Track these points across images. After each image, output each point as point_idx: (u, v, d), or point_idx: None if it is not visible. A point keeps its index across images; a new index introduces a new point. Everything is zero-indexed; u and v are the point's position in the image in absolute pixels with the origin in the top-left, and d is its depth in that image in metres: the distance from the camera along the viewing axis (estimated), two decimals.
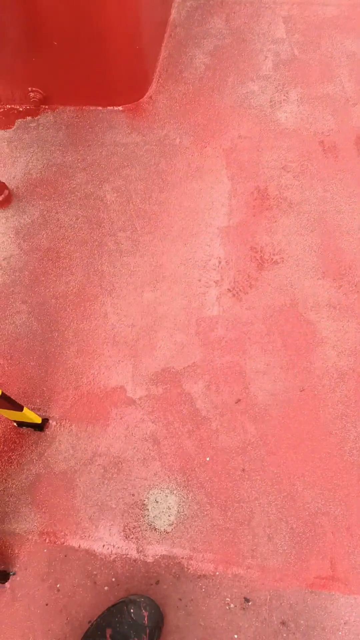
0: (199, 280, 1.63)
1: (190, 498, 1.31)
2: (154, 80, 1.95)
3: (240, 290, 1.61)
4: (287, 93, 1.90)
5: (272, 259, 1.64)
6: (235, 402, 1.44)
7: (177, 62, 1.99)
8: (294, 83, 1.92)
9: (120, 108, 1.91)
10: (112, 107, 1.91)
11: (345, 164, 1.76)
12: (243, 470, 1.34)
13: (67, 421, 1.41)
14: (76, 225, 1.73)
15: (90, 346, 1.53)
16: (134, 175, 1.80)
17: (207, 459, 1.35)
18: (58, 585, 1.25)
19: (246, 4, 2.09)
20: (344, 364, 1.46)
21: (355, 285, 1.58)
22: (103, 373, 1.48)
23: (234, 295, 1.60)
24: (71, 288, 1.62)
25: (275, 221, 1.70)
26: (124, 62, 1.80)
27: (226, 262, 1.65)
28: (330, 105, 1.87)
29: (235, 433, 1.39)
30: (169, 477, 1.33)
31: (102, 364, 1.50)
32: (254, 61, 1.98)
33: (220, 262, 1.65)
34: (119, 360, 1.50)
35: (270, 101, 1.89)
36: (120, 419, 1.41)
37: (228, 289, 1.61)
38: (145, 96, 1.92)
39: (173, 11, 2.09)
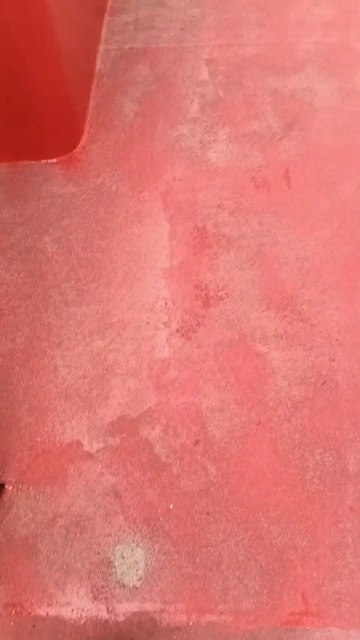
0: (148, 324, 1.64)
1: (157, 549, 1.29)
2: (86, 130, 1.98)
3: (189, 329, 1.62)
4: (215, 133, 1.96)
5: (217, 295, 1.67)
6: (194, 444, 1.44)
7: (106, 111, 2.03)
8: (221, 123, 1.98)
9: (54, 160, 1.93)
10: (46, 160, 1.93)
11: (278, 196, 1.82)
12: (207, 513, 1.33)
13: (24, 484, 1.38)
14: (18, 280, 1.72)
15: (42, 402, 1.50)
16: (74, 225, 1.81)
17: (171, 506, 1.34)
18: None
19: (169, 49, 2.16)
20: (296, 393, 1.49)
21: (299, 314, 1.62)
22: (57, 429, 1.46)
23: (183, 335, 1.61)
24: (18, 345, 1.60)
25: (217, 258, 1.73)
26: (53, 115, 1.83)
27: (172, 302, 1.67)
28: (258, 141, 1.94)
29: (197, 476, 1.38)
30: (133, 530, 1.31)
31: (55, 419, 1.48)
32: (181, 104, 2.04)
33: (166, 303, 1.67)
34: (72, 414, 1.48)
35: (201, 142, 1.95)
36: (79, 475, 1.39)
37: (177, 329, 1.62)
38: (78, 147, 1.95)
39: (98, 62, 2.14)
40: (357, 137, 1.91)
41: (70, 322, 1.64)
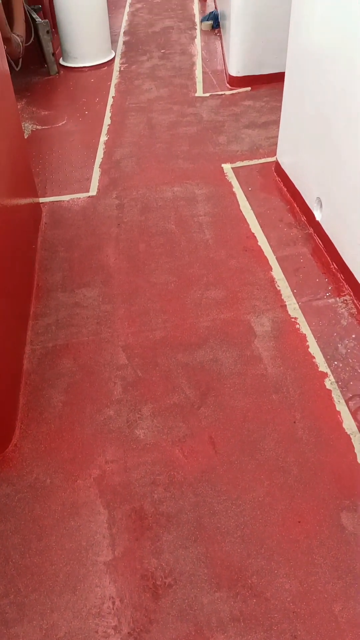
0: (97, 632, 1.53)
1: None
2: (17, 427, 2.09)
3: (141, 629, 1.52)
4: (140, 411, 2.13)
5: (165, 582, 1.62)
6: None
7: (36, 405, 2.18)
8: (143, 400, 2.17)
9: None
10: None
11: (207, 463, 1.92)
12: None
13: None
14: None
15: None
16: (9, 529, 1.78)
17: None
18: None
19: (88, 342, 2.44)
20: None
21: (250, 588, 1.58)
22: None
23: (135, 638, 1.50)
24: None
25: (159, 540, 1.72)
26: None
27: (120, 600, 1.59)
28: (179, 412, 2.11)
29: None
30: None
31: None
32: (105, 389, 2.23)
33: (114, 603, 1.59)
34: None
35: (127, 422, 2.09)
36: None
37: (128, 633, 1.52)
38: (10, 445, 2.02)
39: (25, 362, 2.37)
40: (265, 396, 2.14)
41: None
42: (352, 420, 2.01)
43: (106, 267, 2.87)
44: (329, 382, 2.16)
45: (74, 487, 1.89)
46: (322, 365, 2.23)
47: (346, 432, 1.97)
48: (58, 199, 3.44)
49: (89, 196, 3.45)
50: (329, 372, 2.19)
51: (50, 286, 2.77)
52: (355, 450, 1.92)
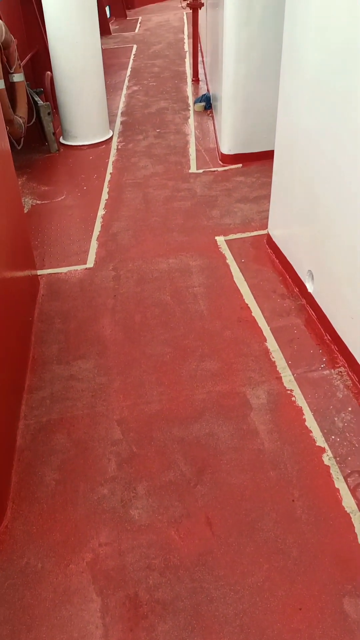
0: None
1: None
2: (8, 507, 2.03)
3: None
4: (134, 489, 2.08)
5: None
6: None
7: (28, 484, 2.13)
8: (138, 478, 2.13)
9: None
10: None
11: (203, 546, 1.87)
12: None
13: None
14: None
15: None
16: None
17: None
18: None
19: (83, 416, 2.42)
20: None
21: None
22: None
23: None
24: None
25: (154, 630, 1.64)
26: None
27: None
28: (175, 490, 2.07)
29: None
30: None
31: None
32: (99, 465, 2.19)
33: None
34: None
35: (122, 501, 2.04)
36: None
37: None
38: (1, 527, 1.96)
39: (18, 437, 2.34)
40: (262, 473, 2.10)
41: None
42: (352, 498, 1.96)
43: (102, 339, 2.90)
44: (327, 458, 2.13)
45: (66, 572, 1.82)
46: (320, 440, 2.21)
47: (346, 511, 1.93)
48: (56, 271, 3.51)
49: (86, 268, 3.52)
50: (327, 447, 2.17)
51: (46, 358, 2.78)
52: (356, 530, 1.87)
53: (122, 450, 2.25)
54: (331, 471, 2.07)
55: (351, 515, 1.92)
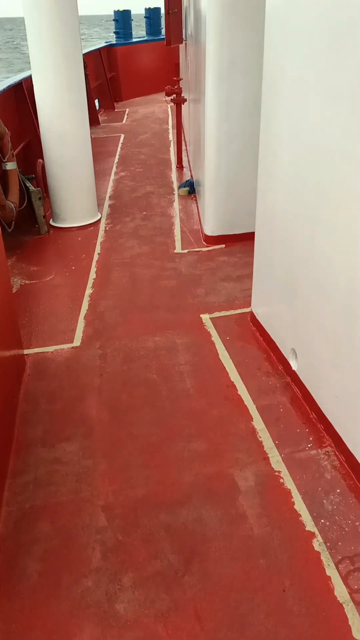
0: None
1: None
2: None
3: None
4: (120, 581, 2.00)
5: None
6: None
7: (9, 577, 2.04)
8: (124, 568, 2.05)
9: None
10: None
11: None
12: None
13: None
14: None
15: None
16: None
17: None
18: None
19: (67, 502, 2.36)
20: None
21: None
22: None
23: None
24: None
25: None
26: None
27: None
28: (162, 582, 1.99)
29: None
30: None
31: None
32: (83, 555, 2.11)
33: None
34: None
35: (106, 594, 1.96)
36: None
37: None
38: None
39: (0, 525, 2.26)
40: (252, 561, 2.04)
41: None
42: (344, 587, 1.90)
43: (88, 419, 2.87)
44: (317, 543, 2.08)
45: None
46: (309, 524, 2.17)
47: (338, 601, 1.86)
48: (42, 350, 3.53)
49: (73, 347, 3.55)
50: (317, 532, 2.13)
51: (30, 440, 2.74)
52: (350, 622, 1.80)
53: (107, 539, 2.18)
54: (322, 557, 2.02)
55: (344, 605, 1.85)
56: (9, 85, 5.92)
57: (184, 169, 7.25)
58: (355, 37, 1.98)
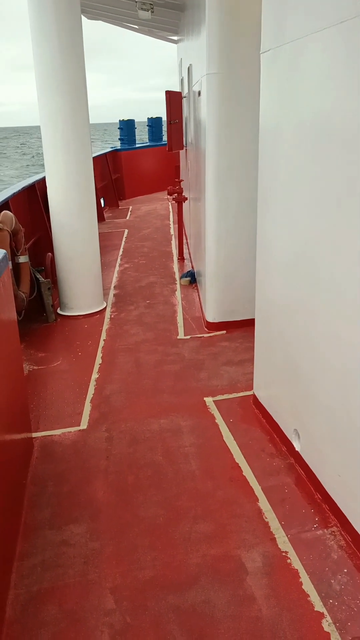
0: None
1: None
2: None
3: None
4: None
5: None
6: None
7: None
8: None
9: None
10: None
11: None
12: None
13: None
14: None
15: None
16: None
17: None
18: None
19: (75, 584, 2.35)
20: None
21: None
22: None
23: None
24: None
25: None
26: None
27: None
28: None
29: None
30: None
31: None
32: (92, 639, 2.09)
33: None
34: None
35: None
36: None
37: None
38: None
39: (8, 609, 2.24)
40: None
41: None
42: None
43: (95, 502, 2.91)
44: (327, 624, 2.07)
45: None
46: (318, 605, 2.16)
47: None
48: (50, 433, 3.61)
49: (80, 430, 3.63)
50: (325, 612, 2.12)
51: (38, 523, 2.76)
52: None
53: (115, 622, 2.16)
54: (332, 638, 2.00)
55: None
56: (24, 187, 6.43)
57: (185, 261, 7.65)
58: (334, 147, 2.29)
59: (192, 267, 7.03)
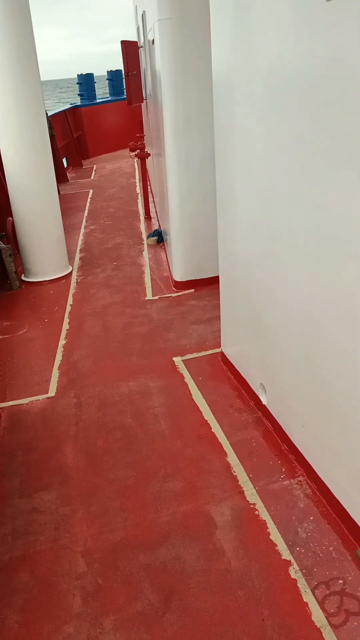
0: None
1: None
2: None
3: None
4: (101, 624, 2.00)
5: None
6: None
7: None
8: (105, 612, 2.05)
9: None
10: None
11: None
12: None
13: None
14: None
15: None
16: None
17: None
18: None
19: (46, 550, 2.36)
20: None
21: None
22: None
23: None
24: None
25: None
26: None
27: None
28: (143, 622, 2.00)
29: None
30: None
31: None
32: (64, 603, 2.11)
33: None
34: None
35: (88, 639, 1.95)
36: None
37: None
38: None
39: None
40: (231, 593, 2.07)
41: None
42: (320, 612, 1.94)
43: (64, 468, 2.90)
44: (294, 571, 2.12)
45: None
46: (285, 553, 2.21)
47: (316, 626, 1.90)
48: (17, 403, 3.56)
49: (48, 397, 3.59)
50: (292, 560, 2.17)
51: (7, 493, 2.75)
52: None
53: (87, 584, 2.19)
54: (298, 584, 2.06)
55: (321, 629, 1.88)
56: None
57: (152, 219, 7.50)
58: (287, 93, 2.20)
59: (159, 225, 6.90)
